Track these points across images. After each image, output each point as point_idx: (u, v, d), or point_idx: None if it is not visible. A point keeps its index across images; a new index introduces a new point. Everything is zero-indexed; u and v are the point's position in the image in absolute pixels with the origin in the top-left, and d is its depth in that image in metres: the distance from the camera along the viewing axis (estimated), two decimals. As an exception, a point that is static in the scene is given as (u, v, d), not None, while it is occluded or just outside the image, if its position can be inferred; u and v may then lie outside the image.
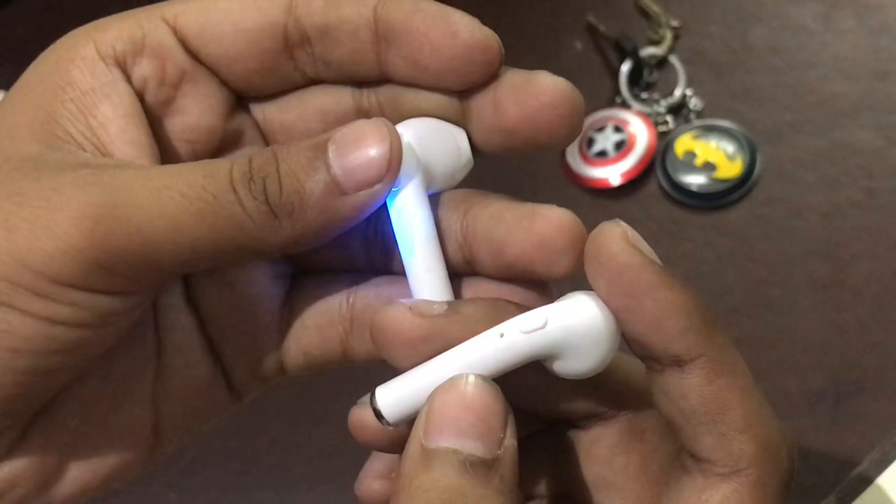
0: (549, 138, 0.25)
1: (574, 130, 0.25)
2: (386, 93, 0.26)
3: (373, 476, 0.28)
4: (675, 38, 0.61)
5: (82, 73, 0.25)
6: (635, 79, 0.59)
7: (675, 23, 0.61)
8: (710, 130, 0.56)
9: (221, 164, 0.23)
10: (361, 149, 0.23)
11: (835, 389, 0.48)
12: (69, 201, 0.22)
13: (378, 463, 0.28)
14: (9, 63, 0.73)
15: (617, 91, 0.59)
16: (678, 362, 0.22)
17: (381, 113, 0.26)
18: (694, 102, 0.58)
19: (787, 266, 0.52)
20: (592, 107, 0.59)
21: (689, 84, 0.59)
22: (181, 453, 0.54)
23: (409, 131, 0.25)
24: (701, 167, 0.55)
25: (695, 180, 0.55)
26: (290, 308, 0.28)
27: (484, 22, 0.26)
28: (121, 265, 0.22)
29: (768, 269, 0.52)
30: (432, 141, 0.25)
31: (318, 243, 0.25)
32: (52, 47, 0.26)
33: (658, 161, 0.56)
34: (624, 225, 0.23)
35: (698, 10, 0.62)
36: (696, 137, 0.56)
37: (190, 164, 0.24)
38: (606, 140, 0.57)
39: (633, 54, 0.59)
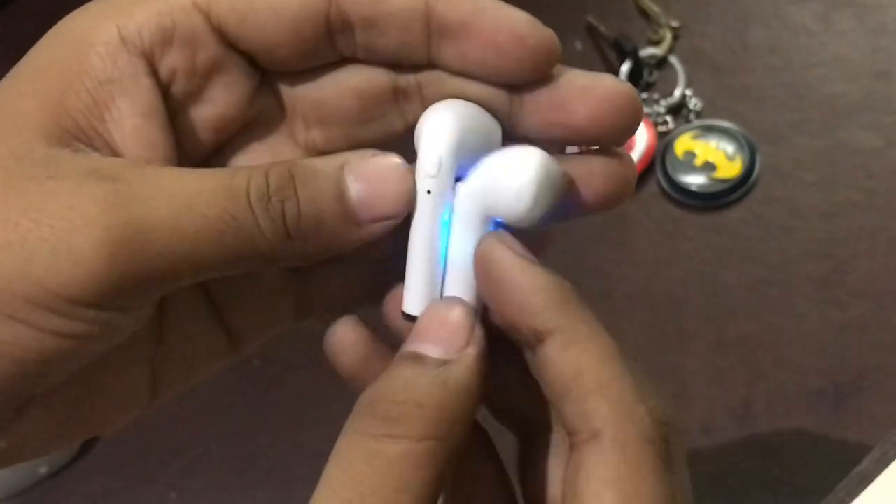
0: (612, 137, 0.26)
1: (633, 131, 0.26)
2: (429, 76, 0.26)
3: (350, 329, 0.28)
4: (675, 38, 0.61)
5: (102, 61, 0.23)
6: (635, 79, 0.59)
7: (674, 23, 0.61)
8: (709, 130, 0.56)
9: (240, 182, 0.23)
10: (381, 186, 0.24)
11: (834, 389, 0.48)
12: (89, 223, 0.21)
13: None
14: (9, 63, 0.73)
15: (617, 91, 0.59)
16: (539, 338, 0.24)
17: (421, 94, 0.26)
18: (693, 102, 0.58)
19: (786, 266, 0.52)
20: (592, 107, 0.60)
21: (688, 84, 0.59)
22: (181, 453, 0.54)
23: (451, 112, 0.25)
24: (700, 167, 0.55)
25: (694, 180, 0.55)
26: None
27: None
28: (139, 286, 0.22)
29: (768, 268, 0.52)
30: (470, 129, 0.26)
31: (319, 261, 0.25)
32: (66, 23, 0.24)
33: (658, 161, 0.56)
34: (503, 233, 0.26)
35: (698, 11, 0.62)
36: (695, 137, 0.56)
37: (209, 177, 0.23)
38: (606, 140, 0.57)
39: (632, 54, 0.59)
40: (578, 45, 0.62)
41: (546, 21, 0.26)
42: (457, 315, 0.24)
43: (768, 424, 0.48)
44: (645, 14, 0.62)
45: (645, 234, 0.55)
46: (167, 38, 0.24)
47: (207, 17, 0.24)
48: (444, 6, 0.24)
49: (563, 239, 0.56)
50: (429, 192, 0.25)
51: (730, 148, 0.55)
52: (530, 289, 0.24)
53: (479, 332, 0.24)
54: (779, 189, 0.54)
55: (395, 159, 0.25)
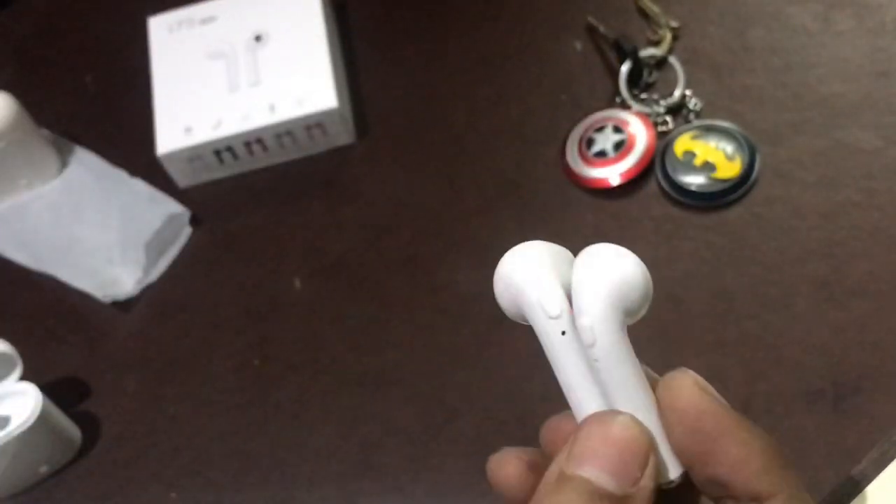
0: None
1: None
2: None
3: (513, 457, 0.27)
4: (675, 38, 0.61)
5: None
6: (635, 79, 0.59)
7: (674, 23, 0.61)
8: (709, 130, 0.56)
9: None
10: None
11: (834, 389, 0.48)
12: None
13: (520, 451, 0.28)
14: (9, 63, 0.73)
15: (616, 91, 0.59)
16: (757, 500, 0.23)
17: None
18: (693, 103, 0.58)
19: (786, 266, 0.52)
20: (592, 107, 0.60)
21: (688, 84, 0.59)
22: (181, 453, 0.54)
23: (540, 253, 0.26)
24: (700, 167, 0.55)
25: (694, 180, 0.55)
26: None
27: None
28: None
29: (767, 268, 0.52)
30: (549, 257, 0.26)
31: None
32: None
33: (657, 161, 0.56)
34: (692, 373, 0.25)
35: (697, 11, 0.62)
36: (695, 137, 0.56)
37: None
38: (606, 140, 0.57)
39: (632, 55, 0.59)
40: (578, 46, 0.62)
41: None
42: (628, 435, 0.23)
43: (768, 424, 0.48)
44: (645, 14, 0.62)
45: (644, 234, 0.55)
46: None
47: None
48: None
49: (563, 239, 0.56)
50: (563, 332, 0.25)
51: (729, 148, 0.55)
52: (753, 449, 0.23)
53: (654, 460, 0.23)
54: (778, 189, 0.54)
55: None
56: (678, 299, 0.52)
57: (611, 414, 0.23)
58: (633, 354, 0.25)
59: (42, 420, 0.51)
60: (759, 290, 0.52)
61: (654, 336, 0.51)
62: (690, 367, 0.50)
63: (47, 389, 0.52)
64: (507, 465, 0.25)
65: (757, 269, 0.52)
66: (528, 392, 0.50)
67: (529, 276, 0.25)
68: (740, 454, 0.23)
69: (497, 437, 0.50)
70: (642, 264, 0.24)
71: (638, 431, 0.23)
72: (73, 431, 0.55)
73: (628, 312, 0.25)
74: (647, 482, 0.22)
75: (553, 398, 0.29)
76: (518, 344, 0.50)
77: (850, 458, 0.46)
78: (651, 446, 0.23)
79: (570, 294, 0.25)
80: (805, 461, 0.46)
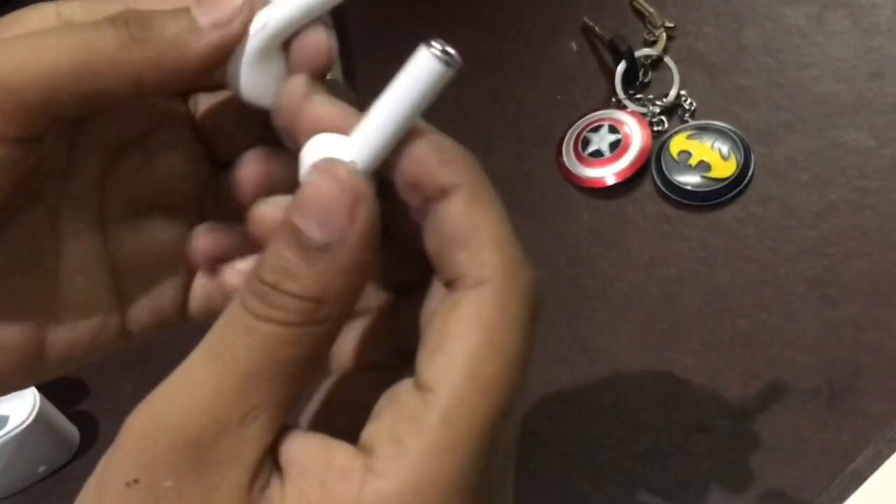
0: None
1: None
2: None
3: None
4: (670, 38, 0.61)
5: None
6: (630, 79, 0.60)
7: (669, 24, 0.61)
8: (704, 130, 0.56)
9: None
10: None
11: (829, 387, 0.48)
12: None
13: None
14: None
15: (612, 91, 0.60)
16: (443, 191, 0.24)
17: None
18: (688, 102, 0.58)
19: (780, 265, 0.52)
20: (588, 107, 0.60)
21: (683, 84, 0.59)
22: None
23: None
24: (695, 167, 0.55)
25: (689, 180, 0.55)
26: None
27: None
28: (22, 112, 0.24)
29: (762, 267, 0.52)
30: None
31: (173, 88, 0.26)
32: None
33: (653, 161, 0.56)
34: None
35: (692, 11, 0.62)
36: (690, 137, 0.56)
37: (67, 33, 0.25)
38: (601, 140, 0.57)
39: (627, 55, 0.59)
40: (574, 46, 0.62)
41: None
42: (342, 181, 0.23)
43: (763, 423, 0.48)
44: (640, 15, 0.62)
45: (640, 234, 0.55)
46: None
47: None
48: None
49: (559, 238, 0.56)
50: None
51: (724, 148, 0.55)
52: (436, 146, 0.24)
53: (368, 206, 0.23)
54: (773, 188, 0.54)
55: None
56: (673, 298, 0.52)
57: (331, 162, 0.24)
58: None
59: (40, 420, 0.51)
60: (754, 289, 0.52)
61: (650, 335, 0.52)
62: (686, 366, 0.50)
63: (45, 389, 0.52)
64: (264, 213, 0.27)
65: (752, 268, 0.52)
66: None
67: None
68: (426, 150, 0.24)
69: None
70: None
71: (352, 179, 0.23)
72: (71, 431, 0.55)
73: None
74: (359, 227, 0.23)
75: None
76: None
77: (845, 457, 0.46)
78: (366, 192, 0.23)
79: None
80: (800, 459, 0.47)
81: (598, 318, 0.53)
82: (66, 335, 0.29)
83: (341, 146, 0.24)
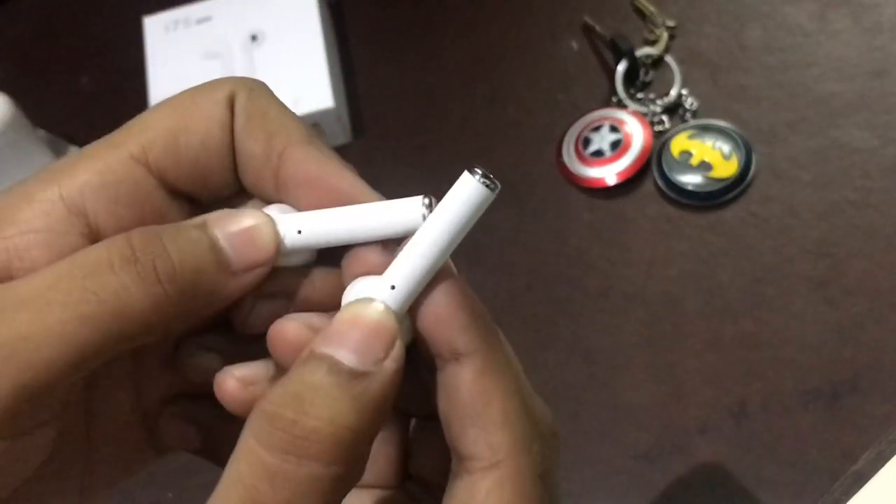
0: None
1: None
2: None
3: (296, 322, 0.27)
4: (671, 37, 0.61)
5: (33, 213, 0.24)
6: (631, 79, 0.59)
7: (670, 23, 0.61)
8: (705, 130, 0.56)
9: (98, 254, 0.22)
10: (247, 236, 0.24)
11: (830, 388, 0.48)
12: None
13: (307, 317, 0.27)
14: (8, 63, 0.73)
15: (613, 91, 0.59)
16: (457, 357, 0.24)
17: None
18: (689, 102, 0.58)
19: (782, 265, 0.52)
20: (588, 107, 0.60)
21: (684, 84, 0.59)
22: (178, 453, 0.54)
23: None
24: (696, 167, 0.55)
25: (690, 180, 0.55)
26: None
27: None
28: (24, 403, 0.21)
29: (764, 267, 0.52)
30: None
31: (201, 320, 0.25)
32: (18, 183, 0.24)
33: (654, 160, 0.56)
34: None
35: (694, 10, 0.62)
36: (691, 137, 0.56)
37: (63, 263, 0.23)
38: (602, 140, 0.57)
39: (628, 54, 0.59)
40: (575, 45, 0.62)
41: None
42: (374, 318, 0.23)
43: (764, 423, 0.48)
44: (641, 14, 0.62)
45: (641, 234, 0.55)
46: (111, 195, 0.24)
47: (147, 166, 0.25)
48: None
49: (560, 238, 0.56)
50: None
51: (726, 147, 0.55)
52: (458, 306, 0.24)
53: (400, 344, 0.23)
54: (775, 188, 0.54)
55: (253, 215, 0.25)
56: (675, 298, 0.52)
57: (366, 301, 0.24)
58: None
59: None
60: (756, 290, 0.52)
61: (651, 335, 0.51)
62: (688, 367, 0.50)
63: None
64: (287, 330, 0.25)
65: (753, 268, 0.52)
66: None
67: None
68: (447, 308, 0.24)
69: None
70: None
71: (384, 315, 0.23)
72: (70, 432, 0.55)
73: None
74: (389, 364, 0.23)
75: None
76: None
77: (847, 457, 0.46)
78: (398, 332, 0.23)
79: None
80: (802, 460, 0.46)
81: (598, 318, 0.53)
82: (105, 489, 0.27)
83: (378, 285, 0.24)
